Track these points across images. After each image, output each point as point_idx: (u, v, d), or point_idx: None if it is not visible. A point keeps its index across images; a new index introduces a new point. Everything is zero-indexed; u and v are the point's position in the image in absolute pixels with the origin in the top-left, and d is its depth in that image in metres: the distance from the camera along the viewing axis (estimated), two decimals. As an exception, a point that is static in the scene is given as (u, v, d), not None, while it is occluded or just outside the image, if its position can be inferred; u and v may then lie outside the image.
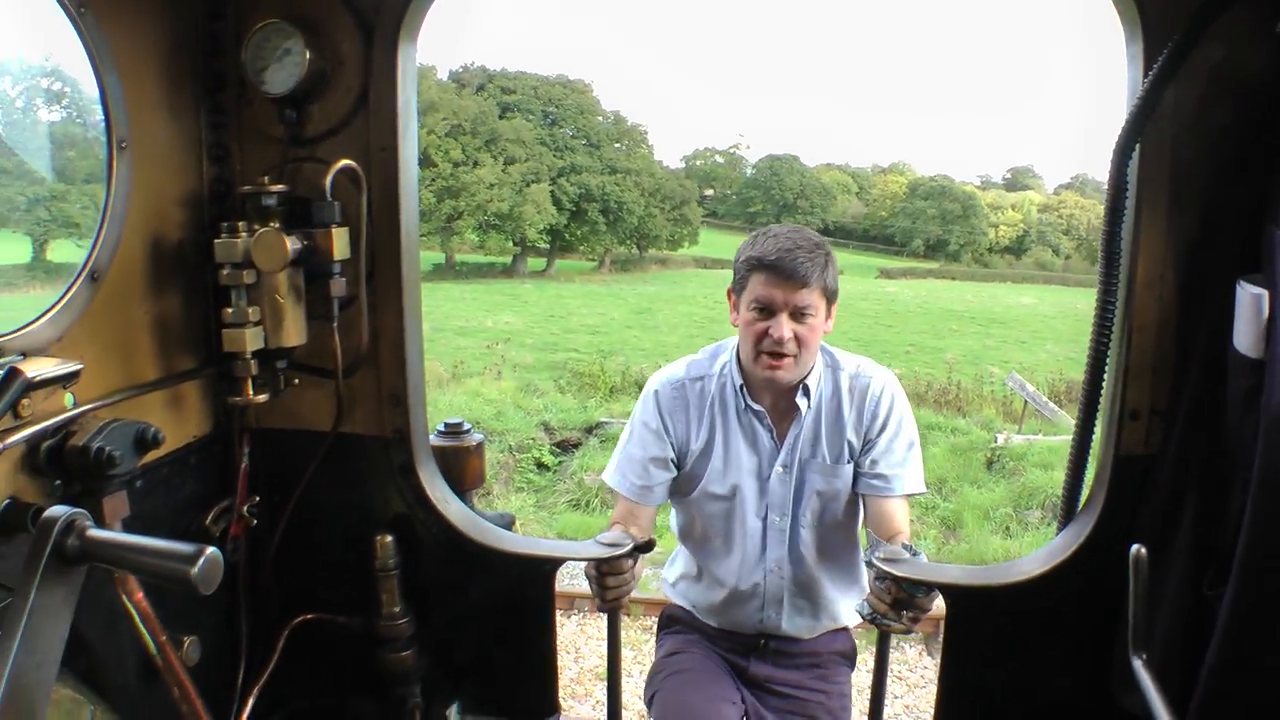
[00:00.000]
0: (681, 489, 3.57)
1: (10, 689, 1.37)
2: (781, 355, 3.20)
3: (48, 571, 1.43)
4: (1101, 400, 2.65)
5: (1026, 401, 19.60)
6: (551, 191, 66.25)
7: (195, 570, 1.41)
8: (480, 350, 27.10)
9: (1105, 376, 2.62)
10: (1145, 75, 2.37)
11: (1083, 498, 2.78)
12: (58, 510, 1.45)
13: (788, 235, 3.23)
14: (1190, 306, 2.49)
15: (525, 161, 64.95)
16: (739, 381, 3.43)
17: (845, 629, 3.76)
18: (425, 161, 59.22)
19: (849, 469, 3.45)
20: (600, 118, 76.27)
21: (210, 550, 1.43)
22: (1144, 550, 2.13)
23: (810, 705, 3.60)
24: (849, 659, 3.80)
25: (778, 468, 3.44)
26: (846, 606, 3.66)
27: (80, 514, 1.45)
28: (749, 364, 3.33)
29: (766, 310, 3.20)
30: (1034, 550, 3.29)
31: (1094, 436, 2.70)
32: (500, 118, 67.36)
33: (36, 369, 2.15)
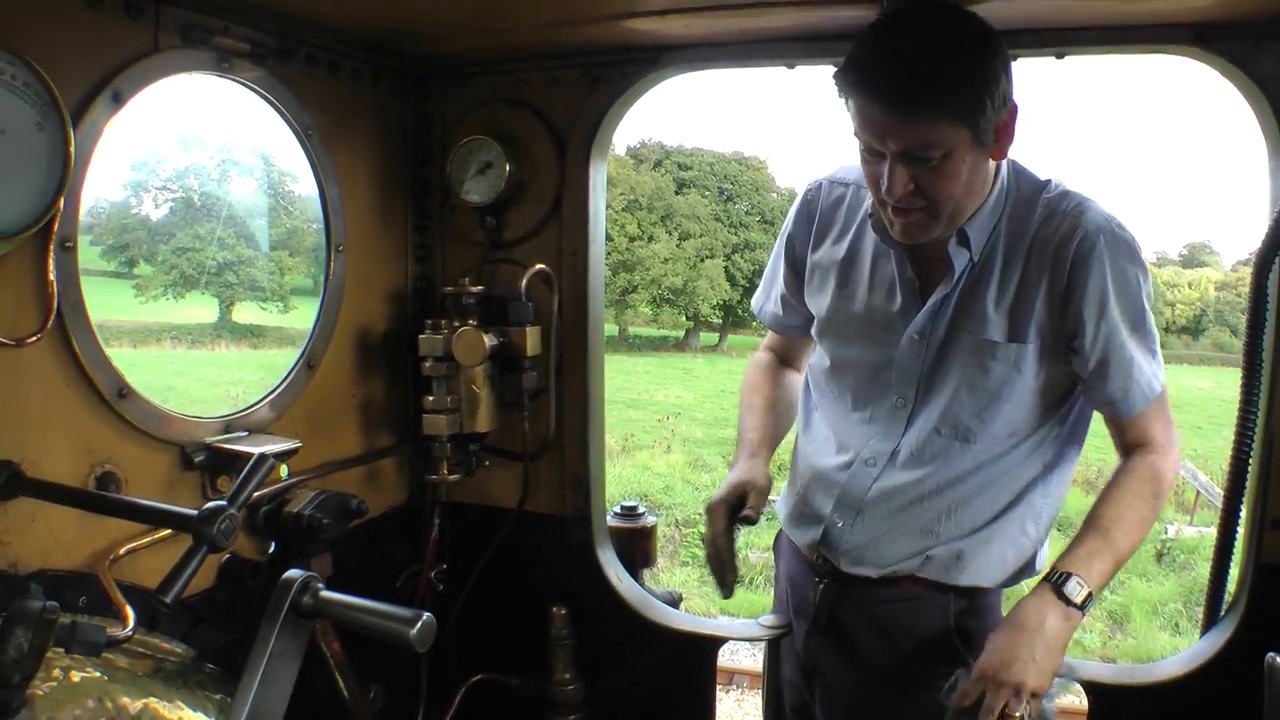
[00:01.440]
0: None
1: (251, 717, 1.65)
2: (907, 210, 2.23)
3: (285, 622, 1.70)
4: (1243, 507, 2.64)
5: (1199, 492, 18.64)
6: (725, 267, 66.25)
7: (414, 632, 1.64)
8: (651, 424, 27.22)
9: (1246, 483, 2.62)
10: None
11: (1225, 602, 2.76)
12: (294, 573, 1.73)
13: (909, 33, 2.12)
14: None
15: (700, 237, 65.19)
16: (872, 211, 2.44)
17: (976, 591, 2.49)
18: (602, 236, 60.41)
19: (1028, 353, 2.35)
20: (775, 194, 76.13)
21: (426, 615, 1.66)
22: (1279, 659, 2.13)
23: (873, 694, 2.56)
24: (962, 635, 2.49)
25: (911, 335, 2.44)
26: (977, 561, 2.46)
27: (313, 577, 1.73)
28: (875, 208, 2.39)
29: (871, 149, 2.19)
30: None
31: (1236, 542, 2.68)
32: (676, 193, 67.91)
33: (272, 447, 2.45)
